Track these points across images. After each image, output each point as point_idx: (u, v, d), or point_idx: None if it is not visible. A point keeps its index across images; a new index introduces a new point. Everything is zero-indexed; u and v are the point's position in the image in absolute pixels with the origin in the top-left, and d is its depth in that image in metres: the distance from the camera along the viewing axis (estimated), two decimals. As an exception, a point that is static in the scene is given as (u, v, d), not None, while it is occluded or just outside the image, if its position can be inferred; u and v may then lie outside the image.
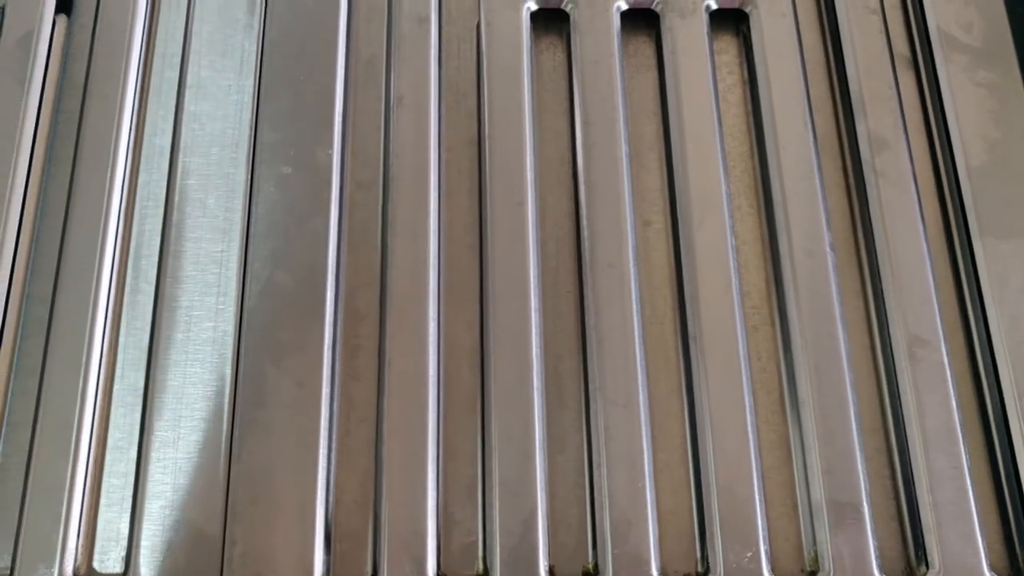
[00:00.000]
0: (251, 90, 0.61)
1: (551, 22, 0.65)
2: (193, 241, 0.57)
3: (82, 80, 0.61)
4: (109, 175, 0.59)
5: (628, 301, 0.57)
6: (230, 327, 0.56)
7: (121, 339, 0.56)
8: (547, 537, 0.52)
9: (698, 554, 0.53)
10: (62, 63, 0.62)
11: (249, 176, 0.59)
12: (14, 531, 0.52)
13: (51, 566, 0.51)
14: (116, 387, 0.55)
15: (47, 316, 0.56)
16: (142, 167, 0.60)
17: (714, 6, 0.64)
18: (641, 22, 0.65)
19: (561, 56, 0.65)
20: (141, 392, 0.55)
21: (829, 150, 0.62)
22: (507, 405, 0.54)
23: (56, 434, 0.53)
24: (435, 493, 0.53)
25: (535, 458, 0.53)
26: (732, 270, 0.57)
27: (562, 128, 0.63)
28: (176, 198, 0.59)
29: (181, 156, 0.60)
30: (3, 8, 0.63)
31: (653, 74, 0.65)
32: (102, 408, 0.55)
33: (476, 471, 0.54)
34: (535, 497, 0.53)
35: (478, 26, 0.64)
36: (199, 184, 0.59)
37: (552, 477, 0.54)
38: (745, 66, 0.64)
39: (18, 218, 0.58)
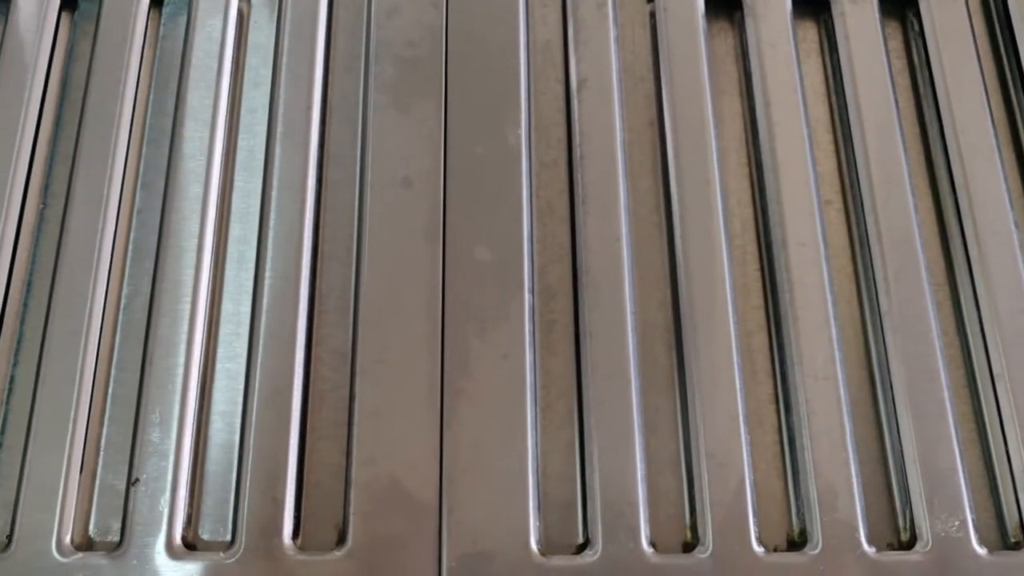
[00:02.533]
0: (439, 69, 0.62)
1: (721, 7, 0.66)
2: (397, 216, 0.58)
3: (271, 63, 0.63)
4: (303, 157, 0.60)
5: (821, 278, 0.58)
6: (435, 299, 0.57)
7: (326, 315, 0.57)
8: (754, 506, 0.53)
9: (901, 523, 0.54)
10: (245, 50, 0.64)
11: (443, 155, 0.60)
12: (232, 507, 0.53)
13: (270, 539, 0.52)
14: (323, 356, 0.56)
15: (251, 290, 0.57)
16: (332, 138, 0.61)
17: (884, -9, 0.66)
18: (807, 7, 0.67)
19: (732, 40, 0.66)
20: (349, 359, 0.56)
21: (1003, 132, 0.63)
22: (708, 381, 0.55)
23: (268, 407, 0.55)
24: (642, 465, 0.54)
25: (740, 430, 0.54)
26: (919, 248, 0.58)
27: (736, 110, 0.64)
28: (370, 176, 0.60)
29: (372, 136, 0.61)
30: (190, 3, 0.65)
31: (818, 58, 0.66)
32: (312, 376, 0.56)
33: (676, 445, 0.55)
34: (742, 468, 0.54)
35: (652, 13, 0.65)
36: (399, 162, 0.60)
37: (752, 449, 0.55)
38: (914, 51, 0.65)
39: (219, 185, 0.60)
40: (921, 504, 0.53)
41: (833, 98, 0.64)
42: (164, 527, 0.53)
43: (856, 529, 0.53)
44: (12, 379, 0.56)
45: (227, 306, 0.58)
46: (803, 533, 0.53)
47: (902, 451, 0.55)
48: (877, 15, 0.65)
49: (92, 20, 0.64)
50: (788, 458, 0.55)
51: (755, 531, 0.53)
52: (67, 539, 0.52)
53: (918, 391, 0.55)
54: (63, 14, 0.65)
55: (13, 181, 0.60)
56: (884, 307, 0.57)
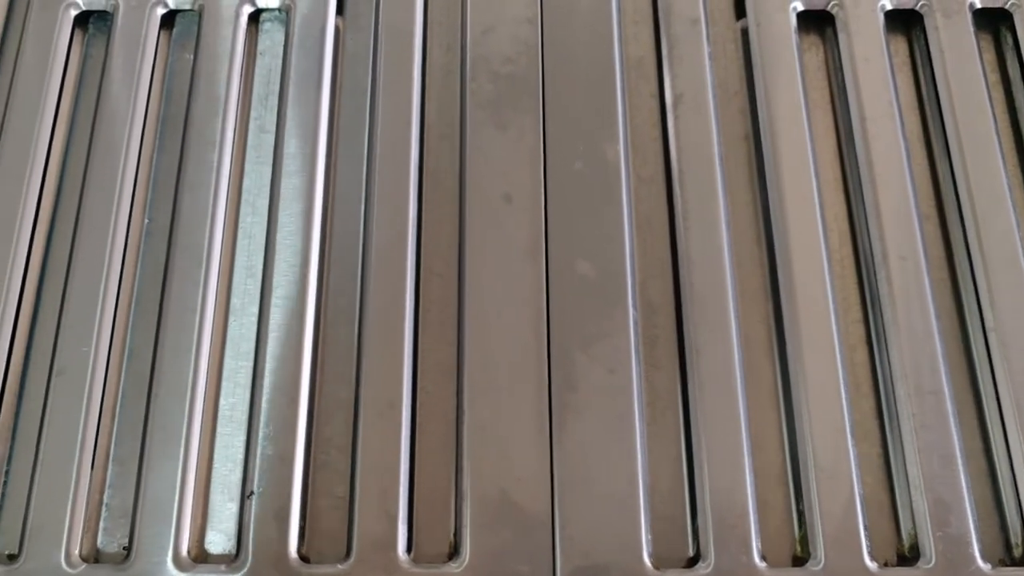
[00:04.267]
0: (536, 85, 0.63)
1: (810, 23, 0.67)
2: (499, 232, 0.59)
3: (368, 80, 0.64)
4: (403, 174, 0.61)
5: (923, 292, 0.58)
6: (539, 313, 0.57)
7: (431, 330, 0.58)
8: (865, 520, 0.53)
9: (1012, 539, 0.54)
10: (343, 66, 0.65)
11: (543, 171, 0.60)
12: (346, 521, 0.54)
13: (385, 552, 0.53)
14: (429, 371, 0.57)
15: (357, 305, 0.58)
16: (431, 155, 0.62)
17: (978, 5, 0.65)
18: (898, 22, 0.67)
19: (823, 55, 0.66)
20: (455, 374, 0.57)
21: (1099, 145, 0.63)
22: (814, 394, 0.55)
23: (378, 422, 0.55)
24: (751, 478, 0.54)
25: (847, 443, 0.55)
26: (1023, 263, 0.58)
27: (828, 124, 0.64)
28: (470, 192, 0.60)
29: (471, 153, 0.61)
30: (287, 10, 0.65)
31: (910, 72, 0.66)
32: (419, 391, 0.56)
33: (783, 458, 0.56)
34: (851, 481, 0.54)
35: (743, 29, 0.66)
36: (499, 178, 0.60)
37: (859, 463, 0.55)
38: (1008, 65, 0.65)
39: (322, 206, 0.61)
40: (1034, 519, 0.53)
41: (927, 111, 0.64)
42: (279, 540, 0.53)
43: (970, 544, 0.53)
44: (123, 393, 0.57)
45: (331, 318, 0.58)
46: (914, 548, 0.53)
47: (1012, 466, 0.55)
48: (971, 28, 0.65)
49: (192, 37, 0.65)
50: (895, 472, 0.55)
51: (867, 545, 0.53)
52: (183, 551, 0.53)
53: (1026, 406, 0.55)
54: (162, 32, 0.66)
55: (120, 196, 0.61)
56: (990, 322, 0.57)
